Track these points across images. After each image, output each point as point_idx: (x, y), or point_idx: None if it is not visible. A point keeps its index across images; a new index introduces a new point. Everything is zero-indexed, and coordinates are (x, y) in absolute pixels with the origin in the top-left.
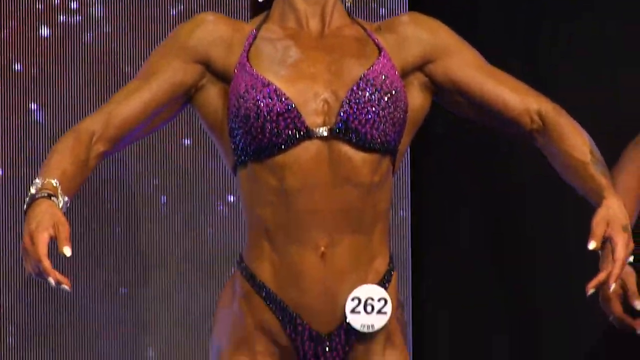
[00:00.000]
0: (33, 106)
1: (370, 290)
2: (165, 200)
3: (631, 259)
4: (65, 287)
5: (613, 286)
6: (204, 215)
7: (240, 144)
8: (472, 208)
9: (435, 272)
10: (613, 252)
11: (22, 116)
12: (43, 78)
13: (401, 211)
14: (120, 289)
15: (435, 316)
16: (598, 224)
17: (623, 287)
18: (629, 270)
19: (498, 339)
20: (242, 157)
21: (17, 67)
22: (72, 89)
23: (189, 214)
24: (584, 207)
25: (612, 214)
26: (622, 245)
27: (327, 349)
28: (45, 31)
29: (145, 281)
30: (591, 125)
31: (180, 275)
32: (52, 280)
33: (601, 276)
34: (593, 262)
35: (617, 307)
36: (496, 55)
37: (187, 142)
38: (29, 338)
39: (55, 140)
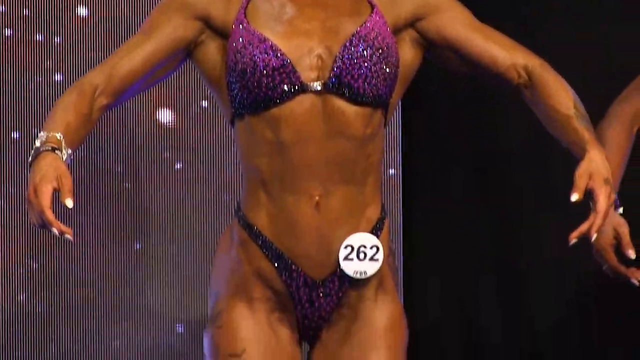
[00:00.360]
0: (58, 77)
1: (363, 238)
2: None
3: (620, 210)
4: (68, 236)
5: (595, 236)
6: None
7: (238, 97)
8: (462, 163)
9: (426, 222)
10: (595, 204)
11: (42, 82)
12: (65, 48)
13: (391, 169)
14: (130, 243)
15: (425, 264)
16: (581, 176)
17: (617, 237)
18: (622, 221)
19: (485, 279)
20: (239, 110)
21: (39, 37)
22: (90, 57)
23: (197, 171)
24: (570, 161)
25: (594, 166)
26: (603, 197)
27: (321, 294)
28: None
29: (152, 236)
30: (582, 83)
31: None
32: (55, 231)
33: (583, 227)
34: (578, 211)
35: (611, 257)
36: (488, 15)
37: (204, 104)
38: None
39: None
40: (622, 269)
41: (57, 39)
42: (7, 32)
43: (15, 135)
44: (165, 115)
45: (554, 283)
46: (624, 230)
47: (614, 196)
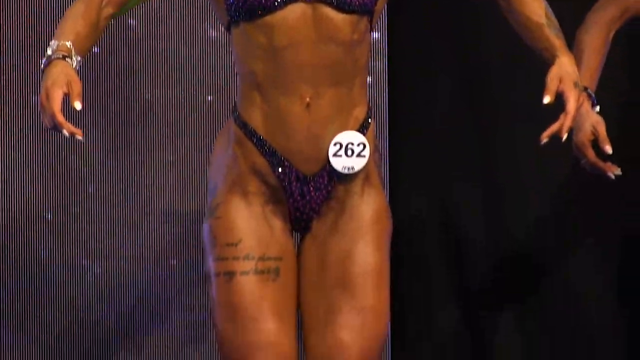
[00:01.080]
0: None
1: (351, 136)
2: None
3: (597, 108)
4: (79, 137)
5: (565, 136)
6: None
7: (234, 6)
8: (447, 70)
9: (410, 122)
10: (565, 106)
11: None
12: None
13: (378, 62)
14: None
15: (410, 162)
16: (551, 80)
17: (594, 133)
18: (599, 119)
19: (467, 184)
20: (235, 18)
21: None
22: None
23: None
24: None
25: (564, 71)
26: (573, 99)
27: (311, 188)
28: None
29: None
30: None
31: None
32: (66, 132)
33: (554, 127)
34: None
35: (589, 152)
36: None
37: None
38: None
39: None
40: (600, 163)
41: None
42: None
43: None
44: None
45: (534, 185)
46: (601, 127)
47: (582, 98)
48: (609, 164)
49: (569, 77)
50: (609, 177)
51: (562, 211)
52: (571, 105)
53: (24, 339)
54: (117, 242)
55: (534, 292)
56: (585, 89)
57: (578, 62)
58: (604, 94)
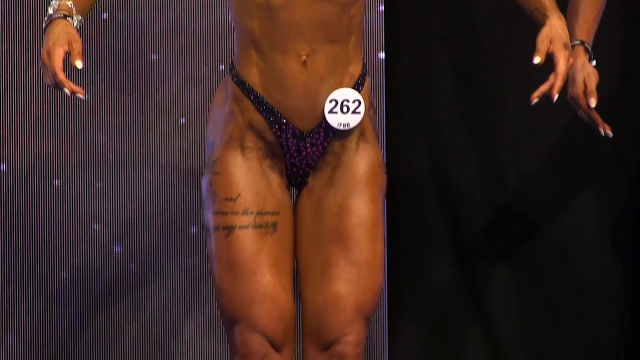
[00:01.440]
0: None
1: (346, 93)
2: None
3: (594, 63)
4: (80, 95)
5: (555, 97)
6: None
7: None
8: (445, 28)
9: (406, 78)
10: (555, 66)
11: None
12: None
13: (373, 19)
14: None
15: (406, 117)
16: (542, 40)
17: (586, 84)
18: (593, 71)
19: (463, 133)
20: None
21: None
22: None
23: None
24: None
25: (554, 32)
26: (563, 60)
27: (308, 144)
28: None
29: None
30: None
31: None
32: (67, 91)
33: (544, 87)
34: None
35: (585, 104)
36: None
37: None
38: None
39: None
40: (596, 116)
41: None
42: None
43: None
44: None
45: (531, 140)
46: (592, 79)
47: (572, 59)
48: (604, 123)
49: (559, 38)
50: (599, 132)
51: (558, 164)
52: (561, 66)
53: (31, 296)
54: (120, 202)
55: (528, 243)
56: (582, 42)
57: (574, 14)
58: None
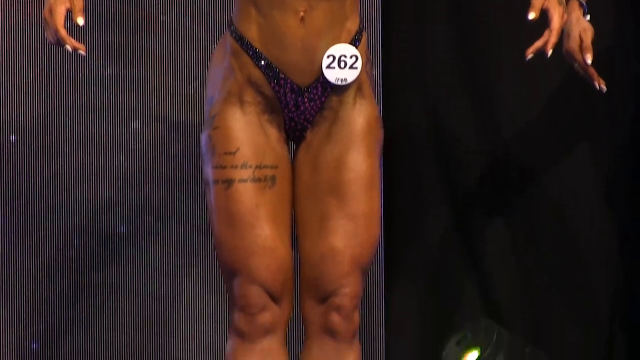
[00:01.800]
0: None
1: (343, 49)
2: None
3: (588, 17)
4: (81, 52)
5: (550, 52)
6: None
7: None
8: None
9: (402, 34)
10: (550, 22)
11: None
12: None
13: None
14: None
15: (403, 72)
16: None
17: (582, 39)
18: (588, 26)
19: (459, 93)
20: None
21: None
22: None
23: None
24: None
25: None
26: (557, 16)
27: (306, 99)
28: None
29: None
30: None
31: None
32: (69, 47)
33: (538, 43)
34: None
35: (580, 58)
36: None
37: None
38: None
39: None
40: (591, 70)
41: None
42: None
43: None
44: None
45: (527, 92)
46: (588, 34)
47: (566, 16)
48: (599, 78)
49: None
50: (594, 86)
51: (554, 122)
52: (555, 22)
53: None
54: (122, 157)
55: (524, 202)
56: None
57: None
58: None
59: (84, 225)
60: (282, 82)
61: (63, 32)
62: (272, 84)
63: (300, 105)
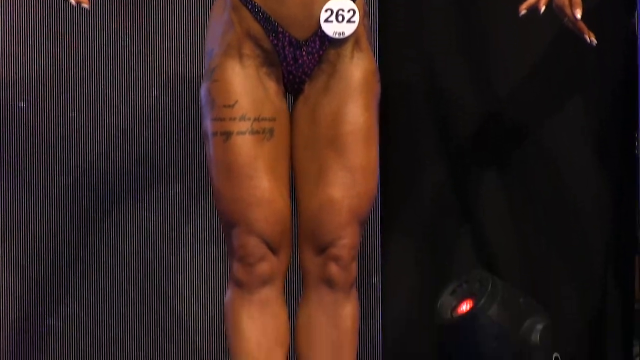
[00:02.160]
0: None
1: (341, 2)
2: None
3: None
4: (84, 5)
5: (543, 9)
6: None
7: None
8: None
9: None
10: None
11: None
12: None
13: None
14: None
15: (399, 27)
16: None
17: None
18: None
19: (457, 57)
20: None
21: None
22: None
23: None
24: None
25: None
26: None
27: (304, 53)
28: None
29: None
30: None
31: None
32: (72, 0)
33: (531, 0)
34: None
35: (569, 12)
36: None
37: None
38: None
39: None
40: (580, 24)
41: None
42: None
43: None
44: None
45: (522, 52)
46: None
47: None
48: (588, 31)
49: None
50: (585, 40)
51: (547, 77)
52: None
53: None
54: (123, 109)
55: (519, 154)
56: None
57: None
58: None
59: (80, 175)
60: (280, 35)
61: None
62: (271, 38)
63: (298, 59)
